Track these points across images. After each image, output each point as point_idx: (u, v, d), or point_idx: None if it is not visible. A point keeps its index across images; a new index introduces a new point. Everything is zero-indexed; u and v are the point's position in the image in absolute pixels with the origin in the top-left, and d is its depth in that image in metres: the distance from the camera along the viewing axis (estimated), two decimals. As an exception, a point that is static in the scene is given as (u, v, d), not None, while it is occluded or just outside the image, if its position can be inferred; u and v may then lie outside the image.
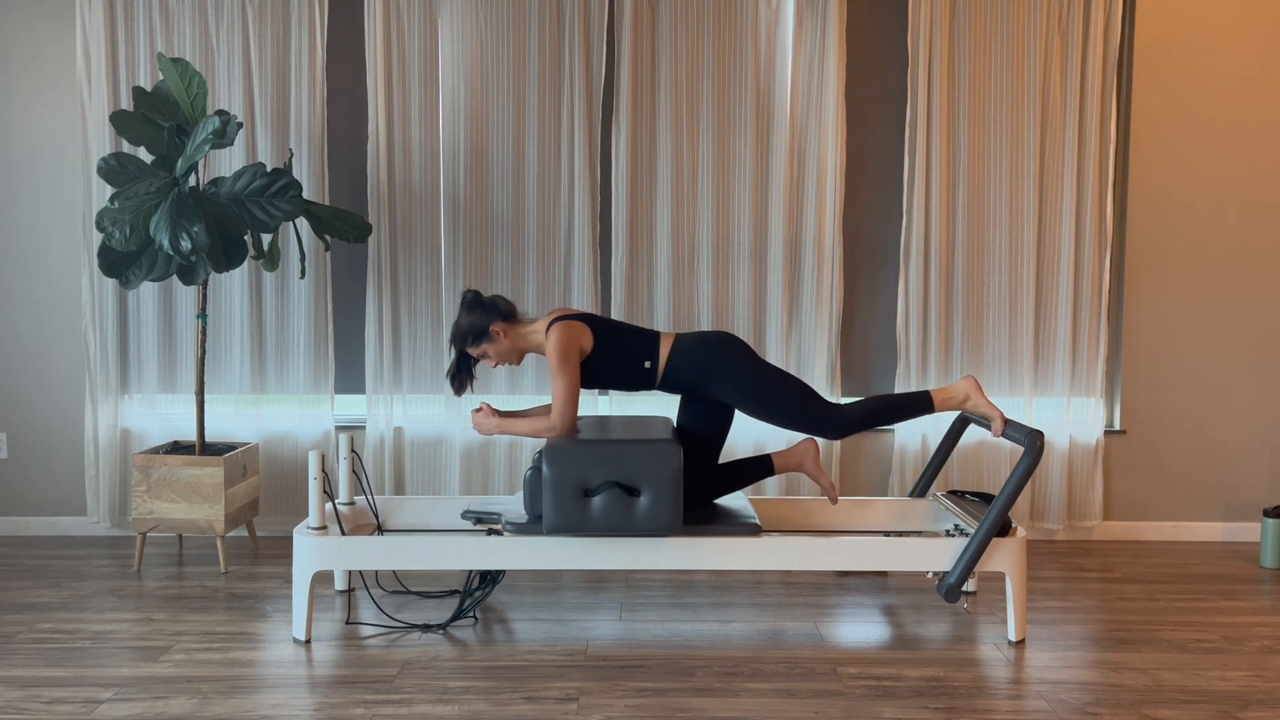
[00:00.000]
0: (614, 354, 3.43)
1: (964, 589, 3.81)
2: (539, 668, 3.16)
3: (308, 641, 3.36)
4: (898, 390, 4.55)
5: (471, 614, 3.62)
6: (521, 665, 3.18)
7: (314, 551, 3.31)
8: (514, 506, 3.58)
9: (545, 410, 3.61)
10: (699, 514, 3.45)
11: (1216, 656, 3.30)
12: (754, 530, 3.31)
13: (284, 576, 4.06)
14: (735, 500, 3.67)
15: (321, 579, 3.98)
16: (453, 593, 3.83)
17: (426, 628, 3.49)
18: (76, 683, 3.03)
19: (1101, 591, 3.95)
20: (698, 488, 3.57)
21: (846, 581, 4.04)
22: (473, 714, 2.84)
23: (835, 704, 2.92)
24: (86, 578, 4.03)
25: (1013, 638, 3.39)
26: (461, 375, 3.53)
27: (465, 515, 3.56)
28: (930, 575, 3.78)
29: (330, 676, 3.09)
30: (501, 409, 3.63)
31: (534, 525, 3.31)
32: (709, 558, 3.30)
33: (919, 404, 3.48)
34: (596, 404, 4.64)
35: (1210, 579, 4.11)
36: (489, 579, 3.69)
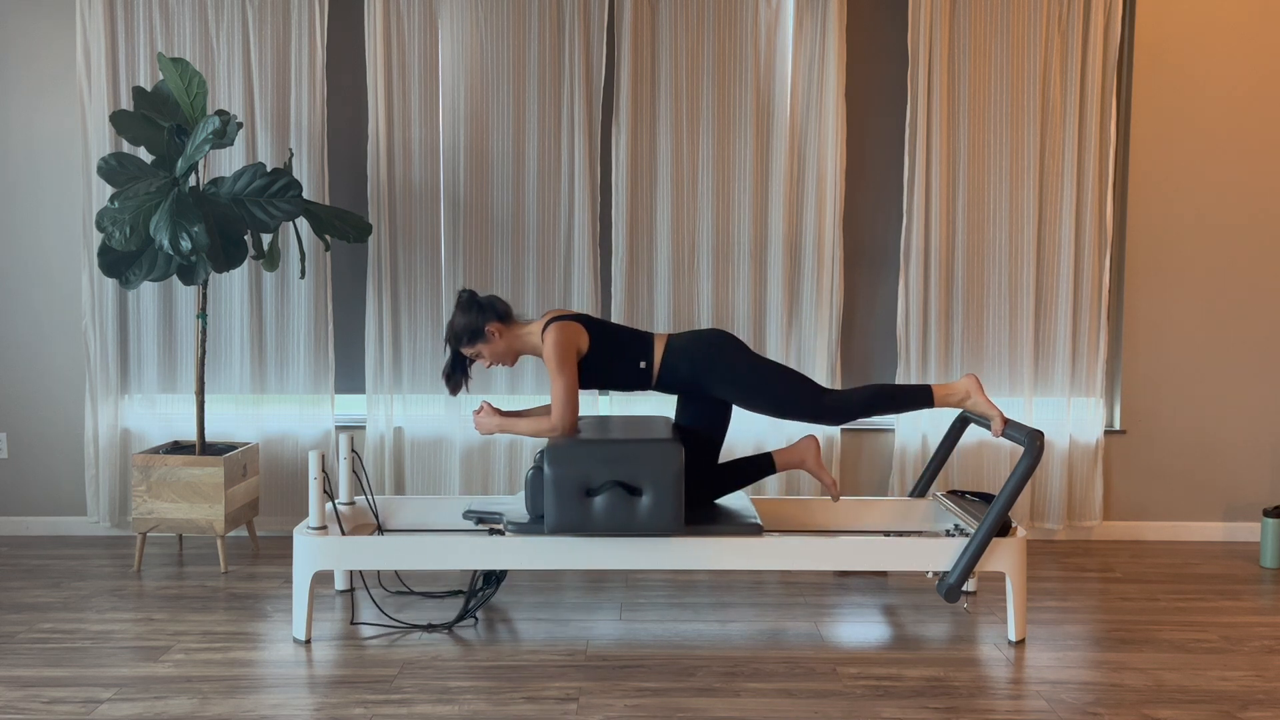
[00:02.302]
0: (610, 354, 3.45)
1: (964, 589, 3.81)
2: (539, 668, 3.16)
3: (308, 641, 3.36)
4: (898, 390, 4.55)
5: (474, 615, 3.62)
6: (521, 665, 3.18)
7: (314, 551, 3.31)
8: (516, 506, 3.58)
9: (547, 410, 3.62)
10: (700, 514, 3.45)
11: (1216, 656, 3.30)
12: (756, 530, 3.31)
13: (284, 576, 4.06)
14: (736, 500, 3.67)
15: (321, 579, 3.98)
16: (455, 593, 3.83)
17: (430, 627, 3.49)
18: (76, 683, 3.03)
19: (1101, 591, 3.95)
20: (699, 487, 3.57)
21: (846, 581, 4.04)
22: (473, 714, 2.84)
23: (835, 704, 2.92)
24: (86, 578, 4.03)
25: (1013, 638, 3.39)
26: (457, 375, 3.53)
27: (467, 515, 3.57)
28: (930, 575, 3.78)
29: (330, 676, 3.09)
30: (503, 409, 3.62)
31: (536, 525, 3.32)
32: (711, 557, 3.30)
33: (919, 397, 3.48)
34: (596, 404, 4.63)
35: (1210, 579, 4.11)
36: (493, 579, 3.69)
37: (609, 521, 3.22)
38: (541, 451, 3.47)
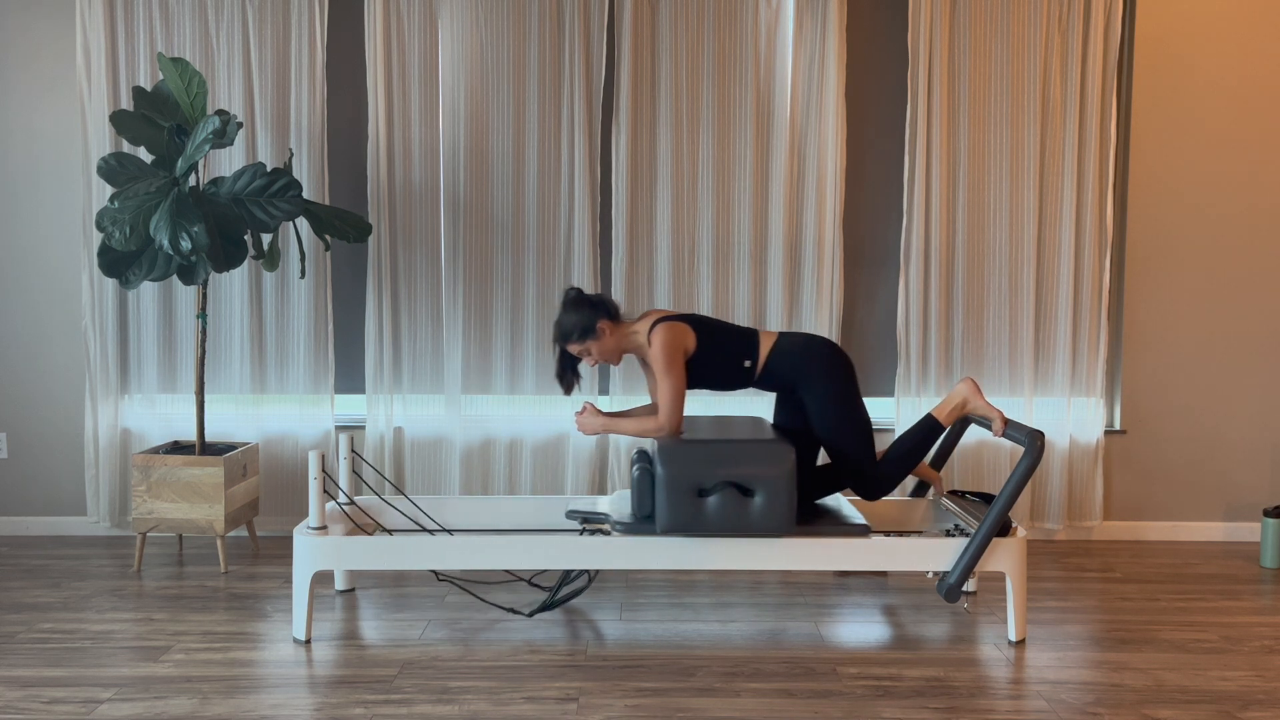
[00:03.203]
0: (715, 354, 3.45)
1: (964, 589, 3.81)
2: (539, 668, 3.16)
3: (308, 641, 3.36)
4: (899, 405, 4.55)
5: (554, 607, 3.65)
6: (521, 665, 3.18)
7: (314, 551, 3.31)
8: (618, 506, 3.57)
9: (647, 410, 3.62)
10: (801, 514, 3.46)
11: (1216, 656, 3.30)
12: (863, 531, 3.32)
13: (284, 576, 4.06)
14: (834, 500, 3.68)
15: (321, 579, 3.98)
16: (537, 584, 3.85)
17: (513, 611, 3.59)
18: (76, 683, 3.03)
19: (1101, 591, 3.95)
20: (800, 488, 3.58)
21: (846, 581, 4.04)
22: (473, 714, 2.84)
23: (835, 704, 2.92)
24: (86, 578, 4.03)
25: (1013, 638, 3.39)
26: (569, 375, 3.52)
27: (570, 515, 3.56)
28: (930, 575, 3.78)
29: (330, 676, 3.09)
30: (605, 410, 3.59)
31: (643, 525, 3.31)
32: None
33: (929, 430, 3.53)
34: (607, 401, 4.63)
35: (1210, 579, 4.11)
36: (576, 578, 3.71)
37: (721, 522, 3.22)
38: (640, 451, 3.50)
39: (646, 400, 4.52)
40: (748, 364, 3.47)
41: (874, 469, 3.48)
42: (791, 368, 3.46)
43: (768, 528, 3.23)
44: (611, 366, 4.37)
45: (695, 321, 3.47)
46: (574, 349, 3.47)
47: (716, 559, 3.30)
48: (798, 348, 3.48)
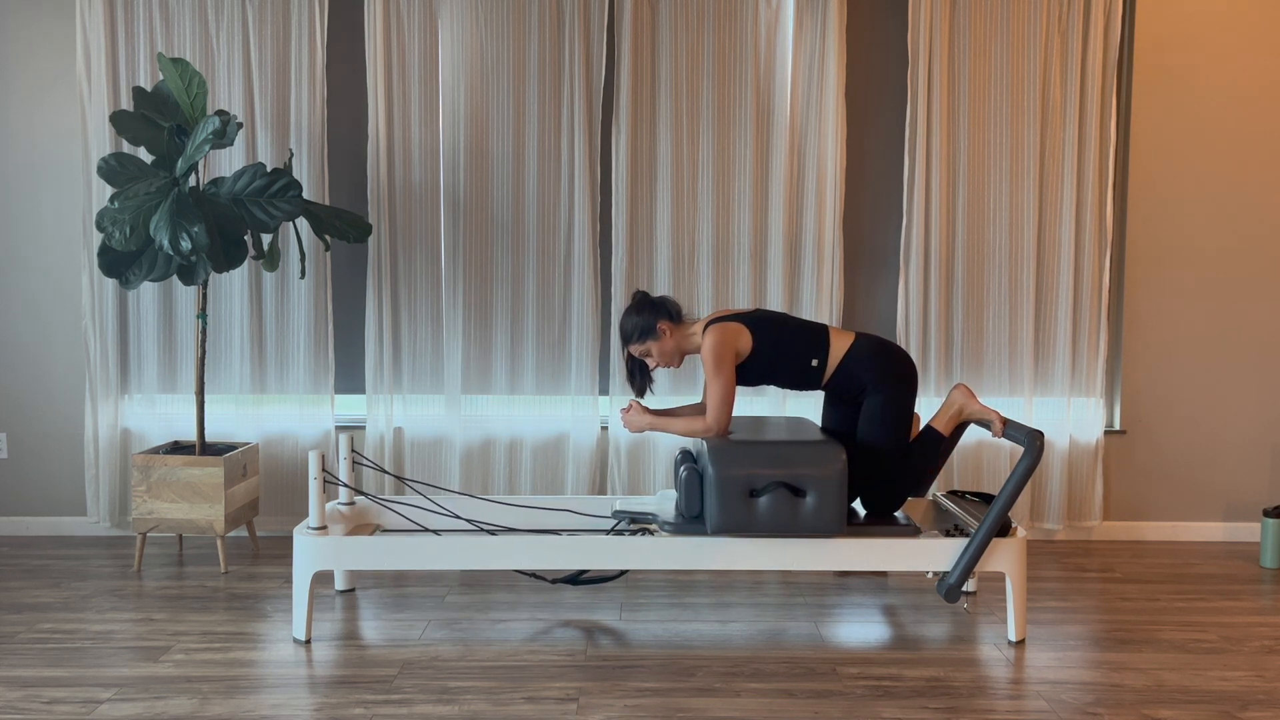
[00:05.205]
0: (775, 354, 3.43)
1: (964, 589, 3.81)
2: (539, 668, 3.16)
3: (308, 641, 3.36)
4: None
5: (579, 584, 3.70)
6: (521, 665, 3.18)
7: (314, 551, 3.31)
8: (664, 506, 3.56)
9: (695, 410, 3.61)
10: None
11: (1216, 656, 3.30)
12: (913, 531, 3.33)
13: (284, 576, 4.06)
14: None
15: (321, 579, 3.98)
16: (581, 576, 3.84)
17: (535, 575, 3.63)
18: (76, 683, 3.03)
19: (1101, 591, 3.95)
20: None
21: (846, 581, 4.04)
22: (473, 714, 2.84)
23: (835, 704, 2.92)
24: (86, 578, 4.03)
25: (1013, 638, 3.39)
26: (639, 377, 3.53)
27: (616, 514, 3.56)
28: (930, 575, 3.78)
29: (330, 676, 3.09)
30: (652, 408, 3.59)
31: (691, 525, 3.32)
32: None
33: (931, 442, 3.52)
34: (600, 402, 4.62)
35: (1210, 579, 4.11)
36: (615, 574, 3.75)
37: (772, 522, 3.23)
38: (684, 451, 3.50)
39: (635, 397, 4.51)
40: (814, 364, 3.43)
41: (893, 497, 3.48)
42: (865, 373, 3.42)
43: (819, 528, 3.24)
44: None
45: (755, 320, 3.44)
46: (635, 350, 3.48)
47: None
48: (872, 352, 3.43)
